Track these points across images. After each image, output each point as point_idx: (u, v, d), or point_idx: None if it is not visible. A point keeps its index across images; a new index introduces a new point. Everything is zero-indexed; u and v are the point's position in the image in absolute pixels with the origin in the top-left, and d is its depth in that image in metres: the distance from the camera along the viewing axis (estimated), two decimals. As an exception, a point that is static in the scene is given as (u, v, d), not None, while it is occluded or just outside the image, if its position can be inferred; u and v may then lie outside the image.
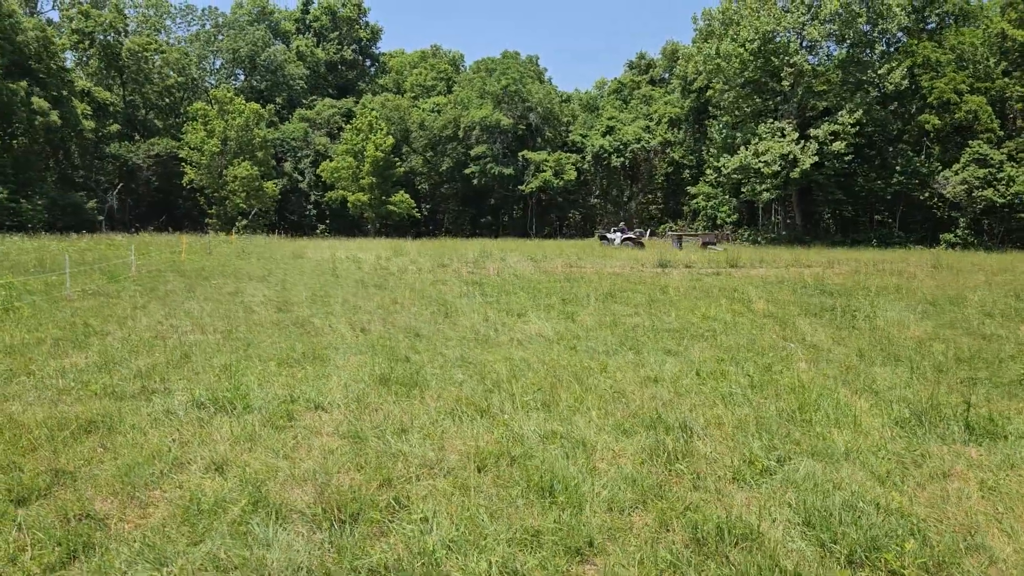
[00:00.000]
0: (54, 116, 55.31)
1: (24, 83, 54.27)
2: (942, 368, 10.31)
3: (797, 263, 29.34)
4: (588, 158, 76.04)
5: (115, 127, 67.58)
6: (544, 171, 70.92)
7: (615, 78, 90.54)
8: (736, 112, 62.52)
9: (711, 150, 64.92)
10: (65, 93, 59.09)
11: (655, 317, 14.94)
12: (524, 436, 6.50)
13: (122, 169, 68.81)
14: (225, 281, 20.39)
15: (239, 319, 13.64)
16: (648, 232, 65.55)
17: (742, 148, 58.90)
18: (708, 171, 66.34)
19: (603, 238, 52.56)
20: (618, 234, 50.79)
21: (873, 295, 18.30)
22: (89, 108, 63.28)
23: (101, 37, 68.71)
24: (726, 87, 61.58)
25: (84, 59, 71.05)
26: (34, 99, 54.64)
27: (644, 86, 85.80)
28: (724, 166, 59.96)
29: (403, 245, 40.02)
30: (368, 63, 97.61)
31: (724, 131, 62.78)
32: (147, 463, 5.75)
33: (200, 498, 5.10)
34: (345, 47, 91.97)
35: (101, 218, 62.19)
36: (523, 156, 72.48)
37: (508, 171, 71.99)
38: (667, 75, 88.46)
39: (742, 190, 61.53)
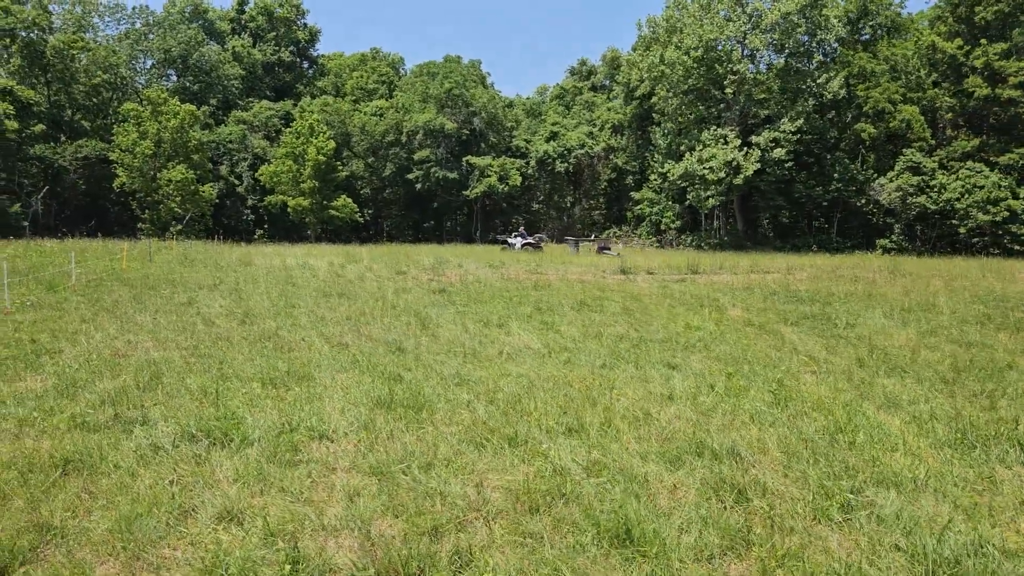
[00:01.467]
0: (-26, 114, 52.35)
1: (-59, 80, 51.22)
2: (947, 379, 10.09)
3: (756, 269, 29.39)
4: (532, 163, 75.76)
5: (40, 127, 64.17)
6: (489, 176, 70.28)
7: (557, 84, 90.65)
8: (680, 119, 63.02)
9: (656, 156, 65.29)
10: (-15, 91, 56.05)
11: (638, 327, 14.49)
12: (566, 468, 5.88)
13: (47, 172, 65.50)
14: (174, 291, 19.20)
15: (202, 333, 12.66)
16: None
17: (687, 155, 59.35)
18: (652, 177, 66.74)
19: (504, 243, 53.48)
20: (519, 239, 52.04)
21: (844, 302, 18.24)
22: (12, 107, 60.04)
23: (23, 34, 65.41)
24: (670, 94, 62.03)
25: (5, 56, 67.50)
26: (-48, 97, 51.63)
27: (586, 92, 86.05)
28: (670, 172, 60.33)
29: (354, 251, 38.87)
30: (306, 65, 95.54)
31: (668, 137, 63.22)
32: (147, 513, 4.94)
33: (223, 557, 4.34)
34: (283, 48, 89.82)
35: (26, 223, 59.08)
36: (467, 161, 71.70)
37: (452, 176, 71.12)
38: (608, 82, 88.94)
39: (687, 196, 61.98)
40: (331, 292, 19.48)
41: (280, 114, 79.63)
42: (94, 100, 70.88)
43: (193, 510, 5.04)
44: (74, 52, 66.56)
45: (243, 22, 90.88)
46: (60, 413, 7.33)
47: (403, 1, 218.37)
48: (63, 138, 68.73)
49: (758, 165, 56.53)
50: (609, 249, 49.15)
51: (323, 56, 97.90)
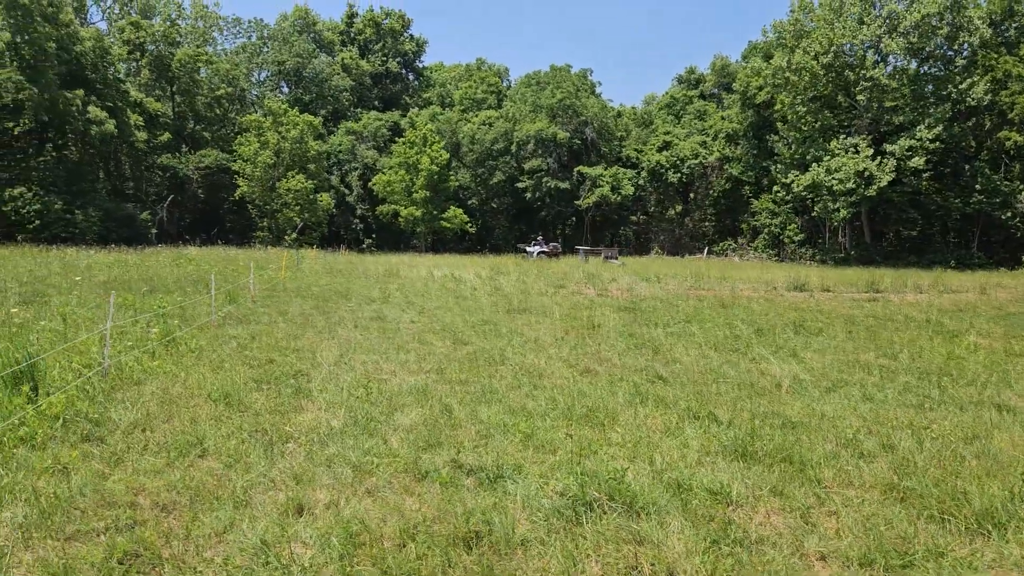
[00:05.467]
0: (110, 125, 53.96)
1: (81, 92, 53.00)
2: None
3: (943, 288, 27.06)
4: (644, 174, 73.94)
5: (166, 138, 66.24)
6: (601, 186, 68.83)
7: (665, 92, 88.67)
8: (804, 127, 60.35)
9: (778, 166, 62.68)
10: (120, 103, 57.81)
11: (888, 355, 12.87)
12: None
13: (172, 181, 67.47)
14: (351, 304, 18.50)
15: (429, 355, 11.71)
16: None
17: (814, 165, 56.73)
18: (775, 188, 64.07)
19: (522, 251, 57.02)
20: (536, 247, 54.80)
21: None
22: (141, 119, 62.02)
23: (152, 48, 67.59)
24: (796, 101, 59.47)
25: (134, 70, 69.96)
26: (91, 108, 53.34)
27: (696, 101, 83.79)
28: (795, 183, 57.77)
29: (498, 263, 38.10)
30: (411, 77, 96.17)
31: (792, 147, 60.63)
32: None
33: None
34: (390, 59, 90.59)
35: (154, 231, 60.73)
36: (579, 171, 70.46)
37: (564, 185, 69.94)
38: (717, 90, 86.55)
39: (814, 208, 59.18)
40: (512, 308, 18.45)
41: (388, 124, 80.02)
42: (216, 111, 72.68)
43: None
44: (199, 65, 68.37)
45: (352, 35, 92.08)
46: (389, 458, 6.32)
47: (499, 13, 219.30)
48: (185, 148, 70.72)
49: (893, 175, 53.48)
50: (614, 258, 51.06)
51: (425, 67, 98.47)
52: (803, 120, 60.07)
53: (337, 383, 9.25)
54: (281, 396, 8.47)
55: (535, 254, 52.73)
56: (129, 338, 11.18)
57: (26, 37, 49.51)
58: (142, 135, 60.74)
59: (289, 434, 6.95)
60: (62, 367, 8.86)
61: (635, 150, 76.71)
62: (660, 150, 74.28)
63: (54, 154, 56.45)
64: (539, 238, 60.39)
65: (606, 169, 71.02)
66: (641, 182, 74.66)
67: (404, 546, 4.63)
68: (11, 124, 53.87)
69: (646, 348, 12.92)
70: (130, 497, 5.32)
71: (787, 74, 58.77)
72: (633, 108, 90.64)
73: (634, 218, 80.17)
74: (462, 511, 5.13)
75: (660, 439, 7.19)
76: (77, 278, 19.89)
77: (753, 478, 5.99)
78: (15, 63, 49.61)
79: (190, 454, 6.26)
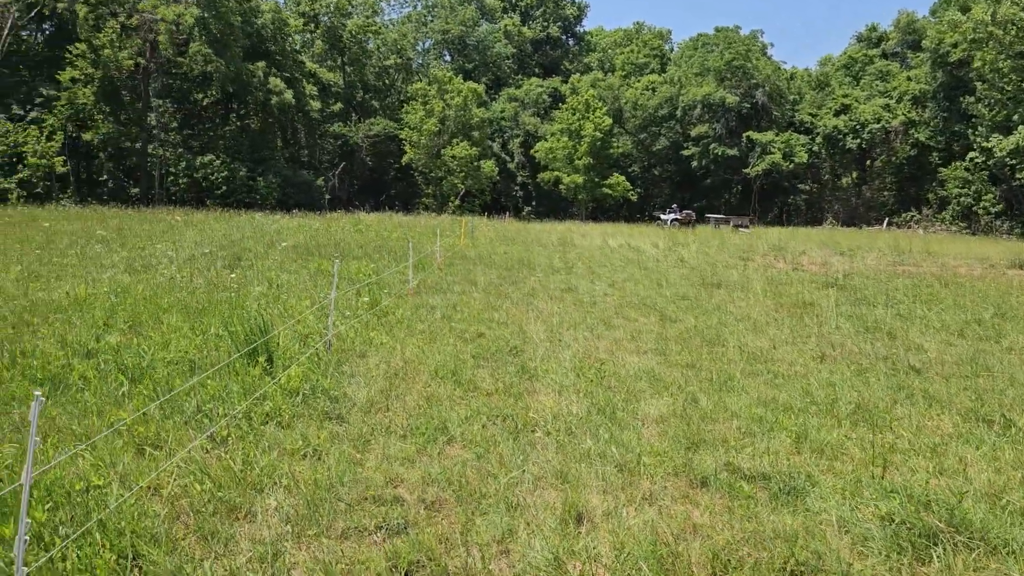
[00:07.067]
0: (288, 95, 56.34)
1: (262, 64, 55.59)
2: None
3: None
4: (819, 139, 69.36)
5: (338, 107, 68.70)
6: (772, 153, 65.26)
7: (843, 52, 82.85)
8: (1008, 87, 54.46)
9: (979, 129, 57.06)
10: (296, 74, 60.25)
11: None
12: None
13: (343, 148, 69.96)
14: (537, 274, 18.02)
15: (641, 332, 10.97)
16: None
17: (1020, 127, 51.11)
18: (970, 154, 58.39)
19: (656, 219, 60.04)
20: (670, 215, 56.35)
21: None
22: (315, 89, 64.40)
23: (325, 19, 69.93)
24: (999, 58, 53.68)
25: (308, 41, 72.72)
26: (271, 79, 55.88)
27: (877, 60, 77.64)
28: (997, 148, 52.32)
29: (675, 234, 36.91)
30: (571, 42, 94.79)
31: (995, 108, 54.96)
32: None
33: None
34: (551, 25, 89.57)
35: (328, 197, 63.28)
36: (748, 137, 67.09)
37: (732, 152, 66.90)
38: (900, 48, 79.91)
39: (1016, 176, 53.55)
40: (706, 281, 17.37)
41: (548, 91, 79.32)
42: (384, 81, 74.56)
43: None
44: (368, 35, 70.17)
45: (513, 1, 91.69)
46: (654, 457, 5.64)
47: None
48: (355, 117, 73.04)
49: (1117, 139, 47.35)
50: (746, 227, 51.93)
51: (587, 33, 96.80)
52: (1007, 79, 54.21)
53: (558, 362, 8.68)
54: (506, 375, 7.98)
55: (669, 222, 54.30)
56: (343, 307, 11.12)
57: (214, 12, 52.28)
58: (316, 104, 63.02)
59: (534, 421, 6.41)
60: (286, 336, 8.78)
61: (809, 114, 72.15)
62: (837, 114, 69.43)
63: (238, 123, 59.77)
64: (673, 206, 61.16)
65: (777, 135, 67.27)
66: (815, 148, 70.15)
67: (714, 558, 3.93)
68: (200, 95, 57.41)
69: (878, 332, 11.59)
70: (391, 490, 4.92)
71: (990, 28, 53.07)
72: (807, 70, 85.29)
73: (804, 187, 75.62)
74: (771, 533, 4.36)
75: (958, 448, 6.11)
76: (284, 243, 20.55)
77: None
78: (204, 37, 52.54)
79: (437, 440, 5.83)
